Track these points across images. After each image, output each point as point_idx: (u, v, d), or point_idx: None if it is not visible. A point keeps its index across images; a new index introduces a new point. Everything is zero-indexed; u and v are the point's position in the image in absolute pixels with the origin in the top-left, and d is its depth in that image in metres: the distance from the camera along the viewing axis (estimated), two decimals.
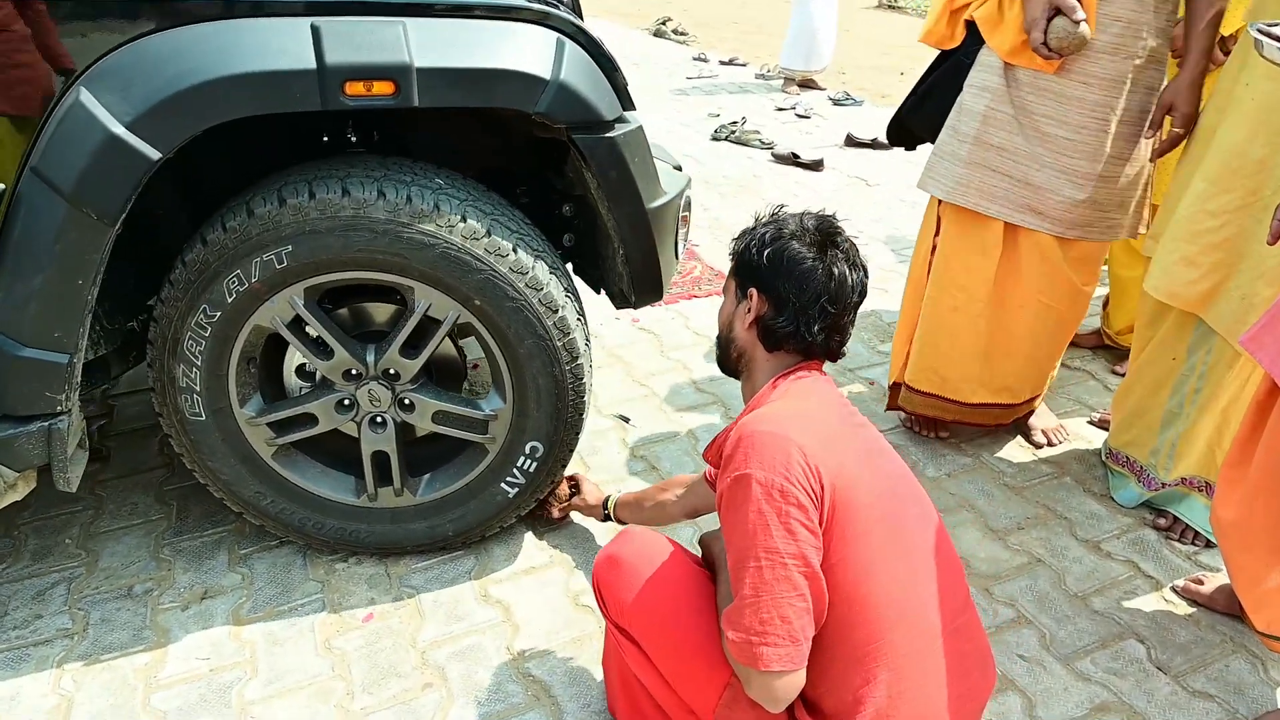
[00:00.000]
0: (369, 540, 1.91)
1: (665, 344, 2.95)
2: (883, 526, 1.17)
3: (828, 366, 1.36)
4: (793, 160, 4.97)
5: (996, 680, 1.30)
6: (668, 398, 2.63)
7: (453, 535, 1.92)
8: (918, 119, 2.40)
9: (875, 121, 5.90)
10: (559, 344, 1.72)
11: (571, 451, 1.88)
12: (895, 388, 2.40)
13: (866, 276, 1.31)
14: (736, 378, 1.40)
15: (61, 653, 1.72)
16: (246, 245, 1.57)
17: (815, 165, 4.90)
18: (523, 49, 1.53)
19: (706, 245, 3.78)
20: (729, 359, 1.38)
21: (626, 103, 1.68)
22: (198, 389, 1.69)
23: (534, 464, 1.85)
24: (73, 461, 1.59)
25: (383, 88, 1.43)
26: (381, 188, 1.56)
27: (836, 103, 6.46)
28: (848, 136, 5.42)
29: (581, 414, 1.83)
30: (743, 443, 1.15)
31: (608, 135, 1.62)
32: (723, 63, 7.84)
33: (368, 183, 1.57)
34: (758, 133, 5.40)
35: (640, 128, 1.70)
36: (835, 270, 1.25)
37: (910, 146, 2.68)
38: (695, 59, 7.92)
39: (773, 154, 5.12)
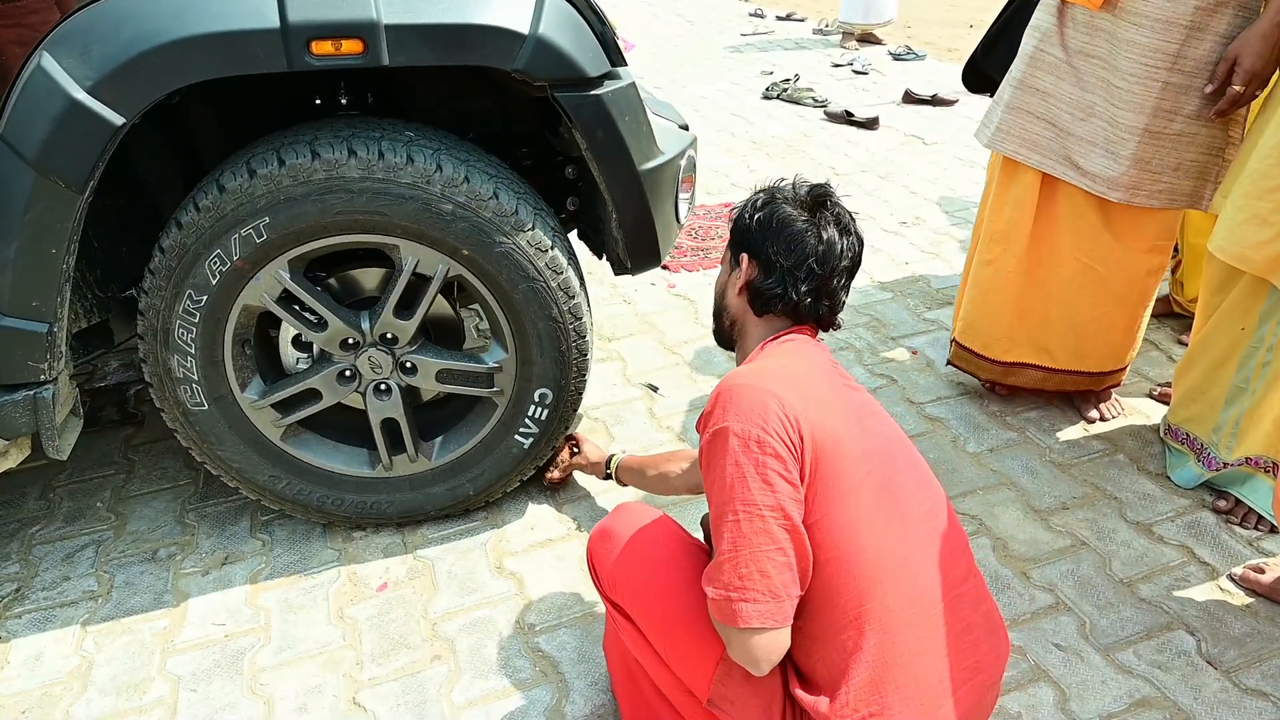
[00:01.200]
0: (391, 510, 1.90)
1: (700, 311, 2.86)
2: (871, 483, 1.11)
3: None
4: (846, 119, 4.77)
5: (1009, 653, 1.21)
6: (699, 367, 2.55)
7: (474, 494, 1.90)
8: (992, 61, 2.29)
9: (937, 77, 5.63)
10: (554, 284, 1.67)
11: (581, 395, 1.84)
12: (952, 343, 2.35)
13: (860, 245, 1.29)
14: (730, 348, 1.37)
15: (86, 614, 1.75)
16: (223, 223, 1.53)
17: (870, 124, 4.69)
18: (498, 2, 1.46)
19: None
20: (723, 328, 1.37)
21: (616, 58, 1.59)
22: (195, 378, 1.67)
23: (545, 411, 1.81)
24: (64, 429, 1.60)
25: (351, 46, 1.38)
26: (351, 146, 1.52)
27: (897, 58, 6.18)
28: (906, 93, 5.18)
29: (586, 355, 1.78)
30: (720, 397, 1.12)
31: (593, 93, 1.54)
32: (779, 18, 7.57)
33: (337, 143, 1.52)
34: (811, 90, 5.20)
35: (632, 85, 1.62)
36: (824, 234, 1.25)
37: (984, 91, 2.56)
38: (751, 15, 7.67)
39: (825, 112, 4.93)
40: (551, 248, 1.66)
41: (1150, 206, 1.92)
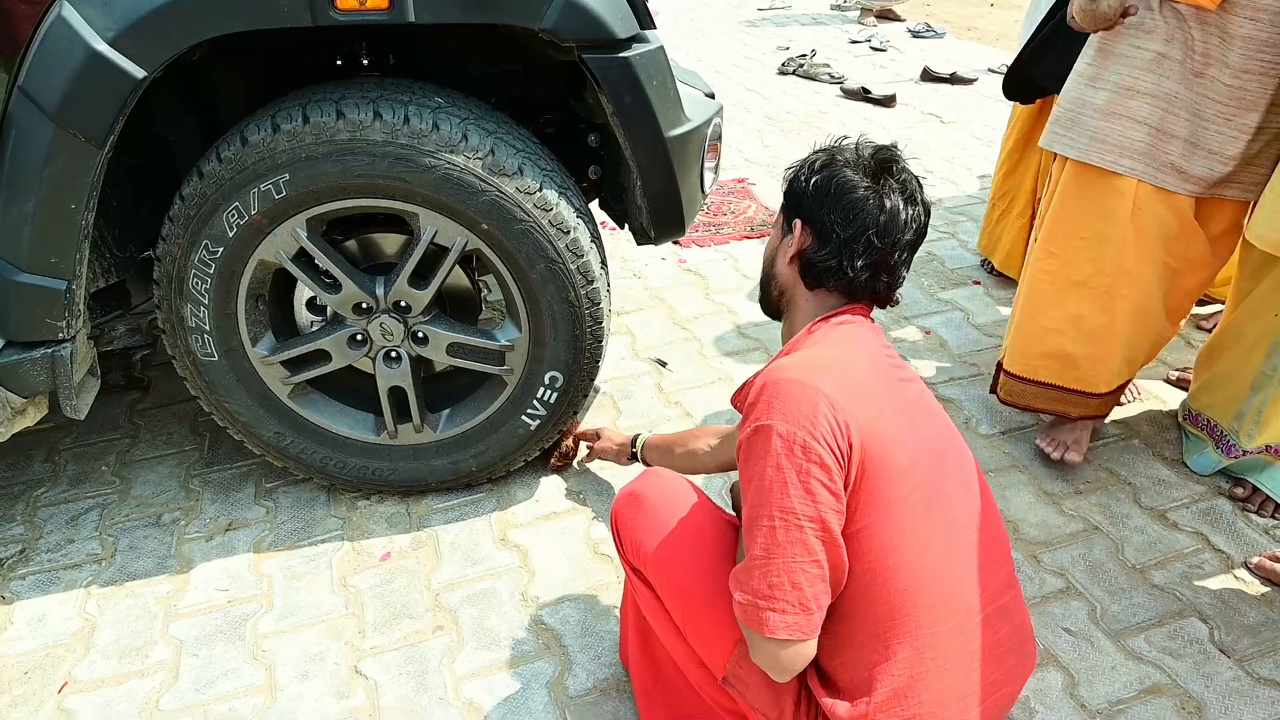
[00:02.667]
0: (392, 478, 1.88)
1: (711, 287, 2.83)
2: (919, 494, 1.05)
3: (878, 315, 1.23)
4: (863, 95, 4.70)
5: (1036, 662, 1.18)
6: (709, 342, 2.52)
7: (476, 470, 1.88)
8: (1042, 67, 2.08)
9: (956, 55, 5.54)
10: (573, 267, 1.64)
11: (592, 381, 1.81)
12: (999, 371, 2.07)
13: (927, 215, 1.18)
14: (777, 319, 1.29)
15: (89, 577, 1.75)
16: (243, 175, 1.51)
17: (887, 101, 4.62)
18: None
19: (764, 184, 3.61)
20: (769, 297, 1.28)
21: (645, 21, 1.55)
22: (208, 328, 1.66)
23: (554, 395, 1.78)
24: (82, 389, 1.59)
25: (376, 2, 1.33)
26: (378, 108, 1.48)
27: (915, 35, 6.08)
28: (924, 70, 5.10)
29: (600, 341, 1.75)
30: (766, 390, 1.05)
31: (622, 55, 1.50)
32: None
33: (363, 104, 1.49)
34: (828, 66, 5.12)
35: (660, 49, 1.57)
36: (887, 202, 1.13)
37: (1028, 99, 2.38)
38: None
39: (842, 89, 4.85)
40: (574, 229, 1.63)
41: (1242, 199, 1.77)
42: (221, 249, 1.58)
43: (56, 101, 1.30)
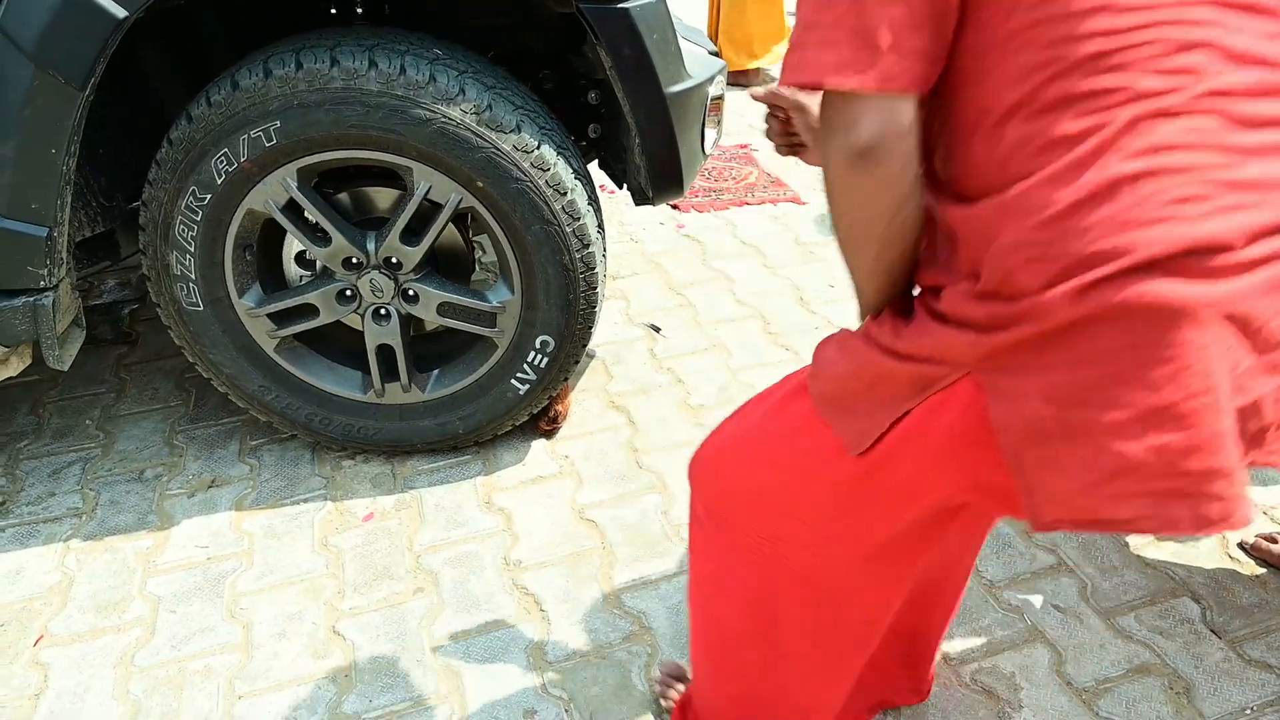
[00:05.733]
0: (377, 437, 1.86)
1: (708, 253, 2.78)
2: None
3: None
4: None
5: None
6: (703, 309, 2.48)
7: (463, 433, 1.85)
8: None
9: None
10: (568, 230, 1.59)
11: (584, 347, 1.77)
12: None
13: None
14: None
15: (69, 531, 1.73)
16: (233, 121, 1.47)
17: None
18: None
19: (766, 149, 3.54)
20: None
21: None
22: (193, 277, 1.63)
23: (545, 359, 1.75)
24: (65, 340, 1.56)
25: None
26: (373, 57, 1.44)
27: None
28: None
29: (594, 306, 1.71)
30: None
31: (621, 6, 1.45)
32: None
33: (358, 52, 1.44)
34: None
35: (661, 1, 1.52)
36: None
37: None
38: None
39: None
40: (570, 191, 1.58)
41: None
42: (209, 196, 1.54)
43: (35, 41, 1.27)
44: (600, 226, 1.71)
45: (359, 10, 1.71)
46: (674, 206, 3.05)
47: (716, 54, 1.89)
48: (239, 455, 1.92)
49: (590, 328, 1.75)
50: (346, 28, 1.53)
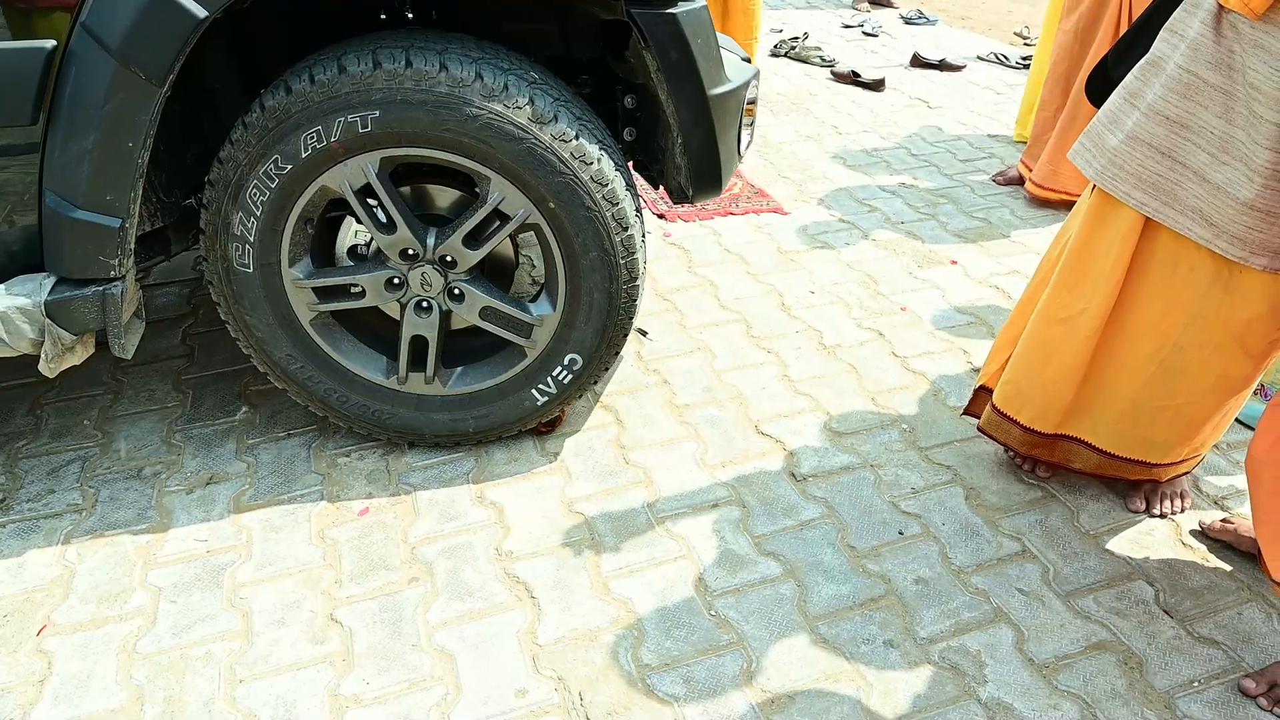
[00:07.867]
0: (390, 423, 1.91)
1: (694, 260, 2.86)
2: None
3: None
4: (852, 79, 4.72)
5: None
6: (689, 313, 2.56)
7: (473, 432, 1.92)
8: (1124, 69, 1.84)
9: (947, 42, 5.57)
10: (622, 261, 1.69)
11: (606, 369, 1.86)
12: (980, 393, 1.95)
13: None
14: None
15: (69, 526, 1.78)
16: (333, 102, 1.54)
17: (876, 85, 4.65)
18: None
19: (750, 162, 3.64)
20: None
21: None
22: (251, 239, 1.67)
23: (569, 376, 1.83)
24: (129, 330, 1.62)
25: None
26: (480, 70, 1.53)
27: (908, 21, 6.10)
28: (914, 56, 5.13)
29: (625, 334, 1.80)
30: None
31: (669, 11, 1.55)
32: None
33: (466, 63, 1.53)
34: (819, 50, 5.14)
35: (704, 7, 1.63)
36: None
37: None
38: None
39: (832, 72, 4.88)
40: (631, 226, 1.68)
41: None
42: (290, 166, 1.59)
43: (119, 39, 1.33)
44: (645, 262, 1.79)
45: (409, 15, 1.78)
46: (660, 216, 3.14)
47: (748, 60, 1.99)
48: (236, 453, 1.98)
49: (617, 353, 1.83)
50: (451, 34, 1.61)
